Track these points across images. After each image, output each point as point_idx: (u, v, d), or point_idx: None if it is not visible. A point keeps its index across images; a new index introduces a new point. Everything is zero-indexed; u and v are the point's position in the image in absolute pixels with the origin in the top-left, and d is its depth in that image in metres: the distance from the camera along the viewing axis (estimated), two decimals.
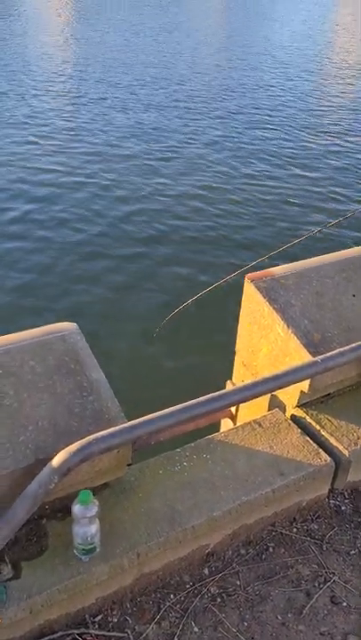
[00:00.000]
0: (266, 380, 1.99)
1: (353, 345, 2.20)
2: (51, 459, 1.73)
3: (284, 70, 18.60)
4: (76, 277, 6.73)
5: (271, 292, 2.47)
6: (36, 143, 10.87)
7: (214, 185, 9.52)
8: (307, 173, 10.17)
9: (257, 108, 14.06)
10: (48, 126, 11.85)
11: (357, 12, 36.25)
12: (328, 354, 2.15)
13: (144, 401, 2.70)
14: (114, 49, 19.70)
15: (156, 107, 13.59)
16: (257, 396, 1.98)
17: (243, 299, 2.59)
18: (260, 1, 37.55)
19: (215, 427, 2.82)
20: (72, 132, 11.60)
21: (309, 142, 11.91)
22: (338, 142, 12.02)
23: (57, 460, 1.68)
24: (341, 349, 2.18)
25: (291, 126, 12.85)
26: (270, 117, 13.38)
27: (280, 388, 2.06)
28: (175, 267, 7.12)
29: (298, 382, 2.13)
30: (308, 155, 11.15)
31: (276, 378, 2.02)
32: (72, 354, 2.05)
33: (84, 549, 1.75)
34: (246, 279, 2.52)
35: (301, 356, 2.30)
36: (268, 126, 12.74)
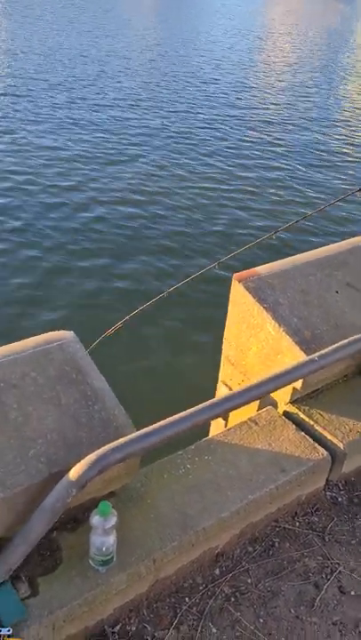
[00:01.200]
0: (269, 380, 2.03)
1: (346, 341, 2.27)
2: (64, 471, 1.70)
3: (223, 68, 18.82)
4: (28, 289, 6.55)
5: (260, 291, 2.50)
6: None
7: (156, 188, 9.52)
8: (246, 174, 10.32)
9: (194, 106, 14.19)
10: None
11: (288, 9, 37.13)
12: (324, 351, 2.21)
13: (139, 406, 2.69)
14: (48, 45, 19.28)
15: (90, 106, 13.41)
16: (263, 395, 2.01)
17: (230, 299, 2.62)
18: None
19: (207, 424, 2.83)
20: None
21: (251, 143, 12.10)
22: (281, 144, 12.28)
23: (75, 473, 1.65)
24: (336, 346, 2.24)
25: (228, 125, 13.01)
26: (209, 117, 13.51)
27: (282, 386, 2.10)
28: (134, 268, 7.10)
29: (297, 380, 2.18)
30: (247, 156, 11.30)
31: (277, 377, 2.06)
32: (72, 363, 2.01)
33: (101, 560, 1.73)
34: (234, 279, 2.55)
35: (294, 354, 2.35)
36: (208, 126, 12.87)
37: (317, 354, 2.18)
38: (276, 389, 2.09)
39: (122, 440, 1.74)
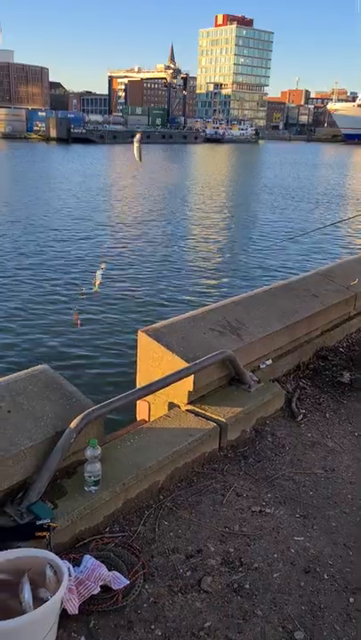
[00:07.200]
0: (172, 375, 3.40)
1: (212, 354, 3.73)
2: (63, 431, 2.87)
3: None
4: None
5: (157, 336, 3.93)
6: None
7: None
8: None
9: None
10: None
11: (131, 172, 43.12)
12: (199, 359, 3.64)
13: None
14: None
15: None
16: (172, 383, 3.36)
17: (138, 345, 4.00)
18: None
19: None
20: None
21: None
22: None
23: (74, 424, 2.84)
24: (207, 356, 3.68)
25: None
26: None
27: (180, 379, 3.47)
28: None
29: (188, 377, 3.55)
30: None
31: (176, 373, 3.43)
32: (52, 380, 3.23)
33: (94, 481, 2.86)
34: (139, 332, 3.96)
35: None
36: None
37: (197, 360, 3.60)
38: (181, 379, 3.46)
39: (95, 407, 2.97)
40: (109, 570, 2.55)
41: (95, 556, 2.65)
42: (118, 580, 2.52)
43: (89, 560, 2.57)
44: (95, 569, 2.52)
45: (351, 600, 2.58)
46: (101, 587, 2.48)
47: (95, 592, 2.45)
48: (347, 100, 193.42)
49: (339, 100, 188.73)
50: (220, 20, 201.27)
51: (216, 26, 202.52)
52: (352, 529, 3.04)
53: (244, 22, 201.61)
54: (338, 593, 2.62)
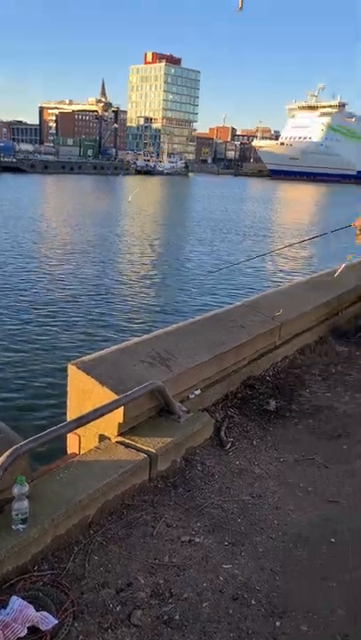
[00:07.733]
0: (102, 407, 3.41)
1: (142, 385, 3.78)
2: None
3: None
4: None
5: (87, 369, 3.93)
6: None
7: None
8: None
9: None
10: None
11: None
12: (129, 391, 3.68)
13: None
14: None
15: None
16: (100, 417, 3.37)
17: (68, 378, 3.98)
18: None
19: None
20: None
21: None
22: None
23: (0, 461, 2.79)
24: (136, 388, 3.73)
25: None
26: None
27: (110, 411, 3.49)
28: None
29: (118, 409, 3.58)
30: None
31: (106, 405, 3.45)
32: None
33: (21, 519, 2.80)
34: (70, 365, 3.95)
35: None
36: None
37: (128, 392, 3.64)
38: (110, 412, 3.47)
39: (21, 442, 2.93)
40: (37, 610, 2.51)
41: (23, 597, 2.59)
42: (46, 621, 2.47)
43: (16, 601, 2.51)
44: (22, 610, 2.47)
45: (278, 624, 2.65)
46: (29, 628, 2.43)
47: (22, 635, 2.39)
48: (270, 138, 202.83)
49: (263, 138, 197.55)
50: (149, 58, 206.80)
51: (145, 63, 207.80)
52: (278, 554, 3.14)
53: (173, 61, 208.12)
54: (265, 618, 2.69)
